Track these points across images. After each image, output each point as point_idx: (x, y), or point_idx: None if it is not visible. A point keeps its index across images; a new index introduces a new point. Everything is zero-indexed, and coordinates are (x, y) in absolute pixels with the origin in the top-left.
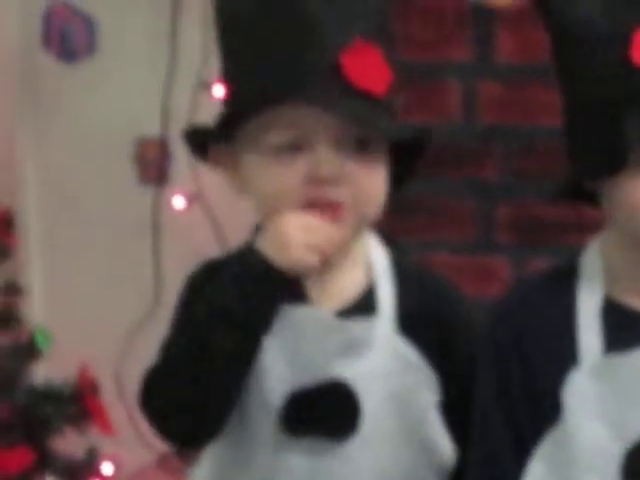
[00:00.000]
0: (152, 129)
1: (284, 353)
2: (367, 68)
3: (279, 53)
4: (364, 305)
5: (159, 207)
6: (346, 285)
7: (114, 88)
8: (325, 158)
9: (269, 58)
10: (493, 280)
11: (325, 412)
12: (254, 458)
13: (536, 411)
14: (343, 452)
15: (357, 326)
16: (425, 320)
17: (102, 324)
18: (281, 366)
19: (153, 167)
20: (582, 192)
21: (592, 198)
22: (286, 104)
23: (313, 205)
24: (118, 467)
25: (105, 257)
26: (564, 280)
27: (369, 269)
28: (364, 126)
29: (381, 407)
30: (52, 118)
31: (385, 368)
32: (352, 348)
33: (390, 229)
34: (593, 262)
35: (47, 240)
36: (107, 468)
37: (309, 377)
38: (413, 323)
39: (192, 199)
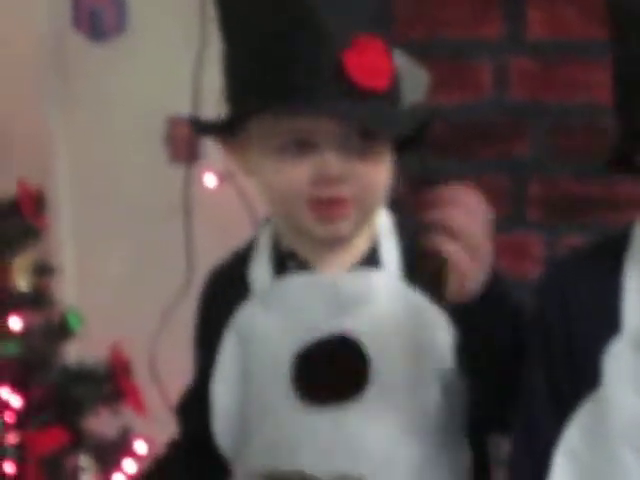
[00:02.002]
0: (183, 108)
1: (283, 321)
2: (369, 65)
3: (279, 54)
4: (367, 262)
5: (190, 186)
6: (350, 249)
7: (145, 67)
8: (331, 158)
9: (269, 60)
10: (526, 257)
11: (334, 366)
12: (264, 424)
13: (577, 376)
14: (360, 406)
15: (356, 280)
16: None
17: (134, 304)
18: (281, 333)
19: (184, 146)
20: (632, 166)
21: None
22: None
23: (320, 202)
24: (151, 446)
25: (137, 237)
26: (613, 251)
27: (373, 231)
28: (368, 127)
29: (396, 355)
30: (82, 98)
31: (395, 317)
32: (354, 302)
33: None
34: None
35: (79, 221)
36: (140, 447)
37: (312, 336)
38: (414, 274)
39: (223, 177)
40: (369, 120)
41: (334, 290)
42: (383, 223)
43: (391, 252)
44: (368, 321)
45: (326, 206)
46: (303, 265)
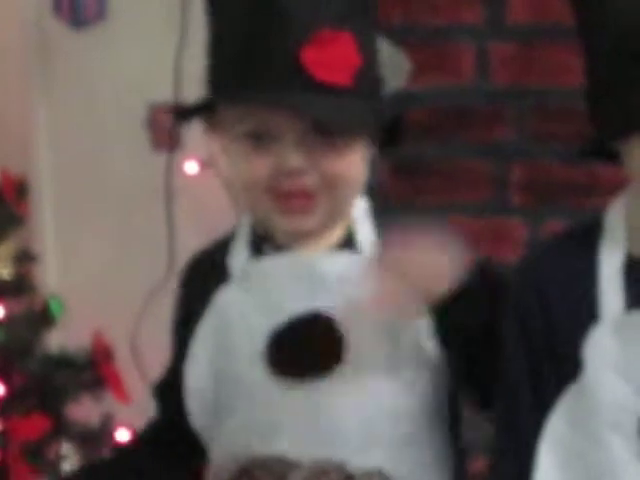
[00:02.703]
0: (165, 94)
1: (259, 301)
2: (331, 59)
3: (242, 44)
4: (344, 247)
5: (172, 173)
6: (326, 236)
7: (126, 53)
8: (288, 151)
9: (233, 48)
10: (508, 241)
11: (308, 343)
12: (240, 406)
13: (557, 366)
14: (337, 386)
15: (331, 260)
16: None
17: (116, 291)
18: (258, 313)
19: (166, 133)
20: (603, 152)
21: (613, 158)
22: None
23: (280, 194)
24: (133, 434)
25: (118, 223)
26: (587, 237)
27: (349, 217)
28: (321, 121)
29: (371, 335)
30: (64, 85)
31: (370, 299)
32: (329, 282)
33: (404, 192)
34: (616, 220)
35: (60, 207)
36: (123, 435)
37: (287, 315)
38: None
39: (205, 164)
40: (320, 115)
41: (309, 270)
42: (359, 208)
43: (366, 237)
44: (342, 300)
45: (286, 198)
46: (279, 249)
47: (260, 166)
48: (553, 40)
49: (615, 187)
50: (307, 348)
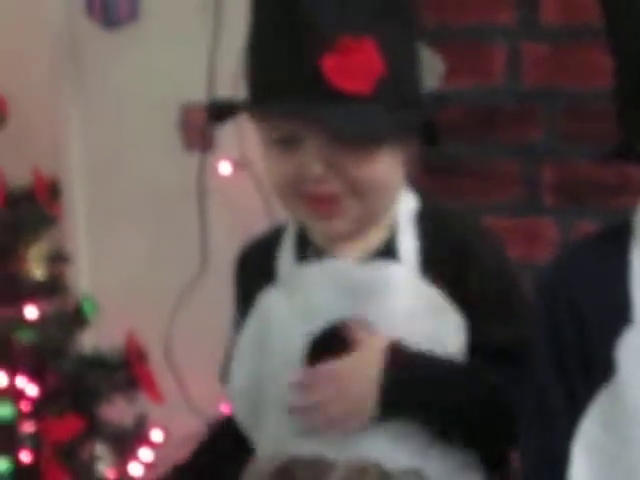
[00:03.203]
0: (197, 95)
1: (299, 308)
2: (352, 67)
3: (268, 52)
4: (385, 252)
5: (205, 173)
6: (368, 236)
7: (159, 54)
8: (310, 157)
9: (262, 55)
10: (540, 242)
11: (344, 352)
12: (277, 408)
13: (589, 370)
14: None
15: (371, 270)
16: (442, 258)
17: (149, 291)
18: (296, 319)
19: (198, 133)
20: (632, 154)
21: None
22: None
23: (310, 197)
24: (167, 434)
25: (151, 224)
26: (618, 239)
27: (392, 220)
28: (338, 132)
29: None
30: (97, 85)
31: (407, 311)
32: (368, 292)
33: (436, 192)
34: None
35: (93, 208)
36: (156, 435)
37: (325, 323)
38: (433, 264)
39: (238, 165)
40: (336, 125)
41: (349, 279)
42: (405, 211)
43: (409, 244)
44: (380, 310)
45: (314, 202)
46: (321, 253)
47: (286, 171)
48: (585, 41)
49: None
50: (341, 356)
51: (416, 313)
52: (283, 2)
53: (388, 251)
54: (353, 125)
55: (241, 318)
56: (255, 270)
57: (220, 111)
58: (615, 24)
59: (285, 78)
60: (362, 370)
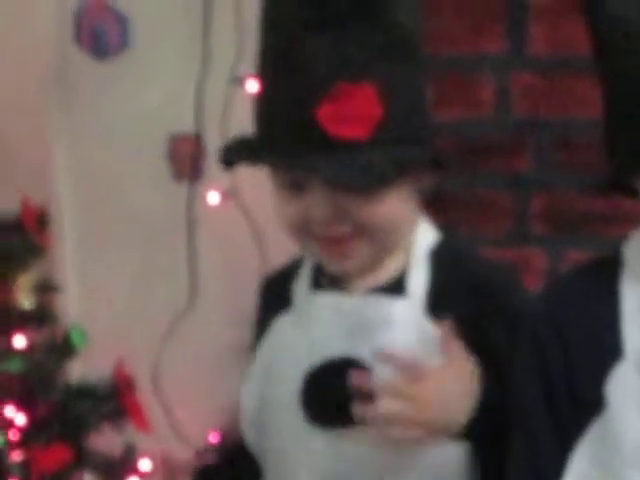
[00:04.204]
0: (186, 125)
1: (303, 338)
2: (348, 113)
3: (271, 101)
4: (395, 287)
5: (194, 203)
6: (381, 268)
7: (148, 84)
8: (315, 202)
9: (262, 105)
10: (529, 272)
11: (340, 389)
12: (274, 437)
13: (577, 402)
14: (362, 435)
15: (377, 307)
16: (455, 301)
17: (138, 321)
18: (301, 350)
19: (187, 163)
20: (620, 185)
21: (630, 191)
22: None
23: (320, 238)
24: (156, 463)
25: (140, 254)
26: (607, 271)
27: (409, 253)
28: (337, 180)
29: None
30: (85, 115)
31: (407, 347)
32: (371, 329)
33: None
34: (637, 252)
35: (81, 238)
36: (145, 465)
37: (325, 357)
38: (446, 301)
39: (226, 195)
40: (329, 174)
41: (355, 315)
42: (422, 245)
43: (419, 280)
44: (380, 347)
45: (327, 243)
46: (334, 282)
47: (295, 214)
48: (574, 72)
49: (636, 216)
50: (334, 395)
51: (416, 349)
52: (283, 49)
53: (399, 285)
54: (349, 174)
55: (256, 342)
56: (274, 298)
57: (229, 157)
58: (604, 55)
59: (283, 127)
60: (462, 380)
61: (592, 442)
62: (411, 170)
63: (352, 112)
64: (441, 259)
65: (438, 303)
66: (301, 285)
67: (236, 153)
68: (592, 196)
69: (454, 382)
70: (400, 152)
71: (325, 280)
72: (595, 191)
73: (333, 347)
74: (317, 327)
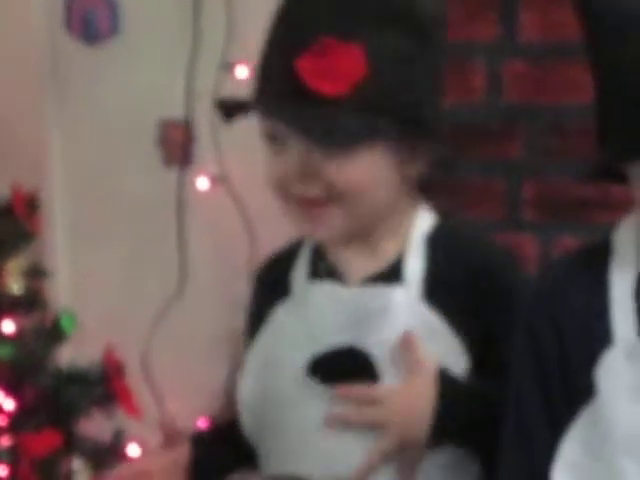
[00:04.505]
0: (176, 111)
1: (303, 328)
2: (329, 69)
3: (264, 54)
4: (392, 273)
5: (183, 189)
6: (378, 255)
7: (138, 70)
8: (292, 159)
9: (261, 58)
10: (521, 259)
11: (343, 378)
12: (275, 425)
13: (570, 390)
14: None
15: (374, 296)
16: (453, 287)
17: (127, 306)
18: (300, 340)
19: (177, 149)
20: (611, 172)
21: (621, 178)
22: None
23: (296, 198)
24: (144, 449)
25: (130, 239)
26: (597, 258)
27: (405, 239)
28: (306, 133)
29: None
30: (76, 101)
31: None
32: (370, 318)
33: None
34: (626, 240)
35: (72, 223)
36: (133, 450)
37: (325, 347)
38: (441, 291)
39: (216, 180)
40: (301, 127)
41: (353, 304)
42: (419, 230)
43: (416, 266)
44: (381, 337)
45: (301, 204)
46: (331, 269)
47: (275, 172)
48: (565, 58)
49: (627, 203)
50: (341, 383)
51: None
52: (283, 6)
53: (396, 272)
54: (313, 128)
55: (252, 330)
56: (271, 284)
57: (228, 108)
58: (596, 43)
59: (269, 78)
60: (422, 391)
61: (583, 429)
62: (385, 139)
63: (333, 68)
64: (438, 243)
65: (436, 289)
66: (299, 272)
67: (230, 103)
68: (583, 182)
69: (416, 397)
70: (374, 119)
71: (324, 265)
72: (586, 177)
73: (334, 338)
74: (316, 316)
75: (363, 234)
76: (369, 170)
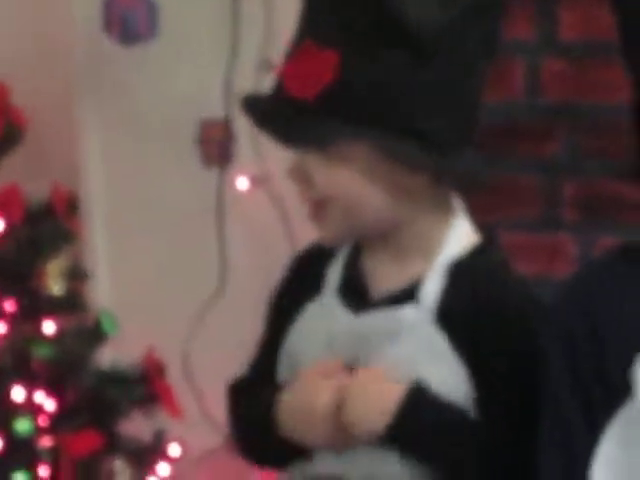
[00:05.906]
0: (216, 110)
1: (325, 330)
2: (304, 74)
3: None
4: (411, 293)
5: (223, 189)
6: (405, 270)
7: (177, 70)
8: (292, 161)
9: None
10: (559, 258)
11: None
12: None
13: (607, 391)
14: None
15: (388, 318)
16: (463, 321)
17: (168, 306)
18: (319, 342)
19: (217, 148)
20: None
21: None
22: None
23: (305, 199)
24: (185, 449)
25: (170, 239)
26: (635, 258)
27: (434, 259)
28: (274, 134)
29: None
30: (115, 102)
31: (412, 356)
32: (381, 339)
33: None
34: None
35: (111, 224)
36: (174, 450)
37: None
38: (451, 321)
39: (256, 180)
40: (269, 128)
41: (364, 325)
42: (448, 254)
43: (433, 290)
44: (386, 354)
45: (307, 204)
46: (359, 277)
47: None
48: (604, 57)
49: None
50: None
51: (419, 359)
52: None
53: (416, 291)
54: (282, 130)
55: (277, 317)
56: (306, 276)
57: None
58: (631, 41)
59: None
60: (394, 388)
61: (622, 428)
62: (370, 146)
63: (307, 72)
64: (461, 272)
65: (447, 317)
66: (334, 271)
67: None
68: (623, 182)
69: (388, 391)
70: (340, 125)
71: (356, 272)
72: (626, 176)
73: (346, 350)
74: (332, 332)
75: (387, 245)
76: (354, 175)
